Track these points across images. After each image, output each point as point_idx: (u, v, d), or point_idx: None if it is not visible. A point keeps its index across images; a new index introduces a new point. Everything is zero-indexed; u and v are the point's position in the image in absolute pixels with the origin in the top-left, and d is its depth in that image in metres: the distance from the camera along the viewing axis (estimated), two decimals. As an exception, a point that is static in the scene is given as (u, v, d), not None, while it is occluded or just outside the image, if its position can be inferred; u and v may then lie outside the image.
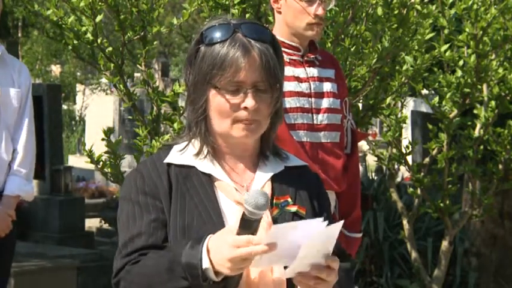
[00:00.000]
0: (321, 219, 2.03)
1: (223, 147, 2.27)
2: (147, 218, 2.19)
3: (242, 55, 2.17)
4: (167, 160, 2.26)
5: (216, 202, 2.21)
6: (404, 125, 5.81)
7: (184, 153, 2.27)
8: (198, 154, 2.25)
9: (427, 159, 5.91)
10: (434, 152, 5.75)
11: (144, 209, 2.20)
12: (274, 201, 2.23)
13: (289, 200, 2.27)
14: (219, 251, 2.01)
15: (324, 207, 2.36)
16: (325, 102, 3.97)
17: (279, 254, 2.02)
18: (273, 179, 2.28)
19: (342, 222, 2.05)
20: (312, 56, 3.99)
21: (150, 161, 2.29)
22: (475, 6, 5.25)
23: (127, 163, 9.03)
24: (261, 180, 2.27)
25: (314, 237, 2.00)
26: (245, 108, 2.18)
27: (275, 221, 2.20)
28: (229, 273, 2.02)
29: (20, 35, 24.05)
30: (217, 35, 2.20)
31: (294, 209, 2.26)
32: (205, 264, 2.03)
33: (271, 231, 1.99)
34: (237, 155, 2.28)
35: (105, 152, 4.60)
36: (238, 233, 2.00)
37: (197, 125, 2.25)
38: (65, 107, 24.53)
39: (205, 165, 2.25)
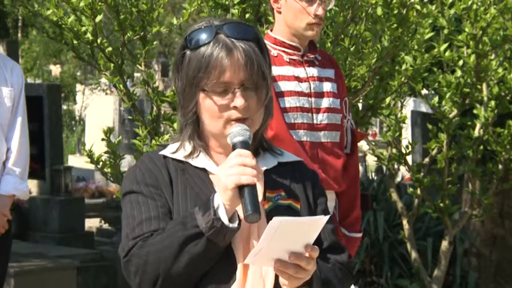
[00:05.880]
0: (326, 217, 2.08)
1: (215, 148, 2.29)
2: (153, 205, 2.22)
3: (225, 55, 2.18)
4: (163, 153, 2.30)
5: (215, 192, 2.23)
6: (404, 125, 5.82)
7: (177, 154, 2.30)
8: (189, 155, 2.28)
9: (426, 159, 5.91)
10: (434, 152, 5.75)
11: (149, 198, 2.23)
12: (267, 194, 2.25)
13: (283, 194, 2.28)
14: (223, 167, 2.15)
15: (320, 201, 2.36)
16: (325, 102, 3.98)
17: (278, 249, 2.06)
18: (265, 173, 2.28)
19: (327, 216, 2.11)
20: (311, 56, 3.99)
21: (147, 157, 2.32)
22: (474, 6, 5.25)
23: (127, 163, 9.01)
24: None
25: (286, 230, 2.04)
26: (235, 107, 2.20)
27: (268, 214, 2.22)
28: (232, 183, 2.09)
29: (19, 35, 24.06)
30: (201, 38, 2.22)
31: (287, 202, 2.27)
32: (217, 201, 2.12)
33: (273, 222, 2.03)
34: (229, 155, 2.28)
35: (105, 152, 4.61)
36: None
37: (186, 127, 2.28)
38: (64, 107, 24.52)
39: (199, 161, 2.28)
